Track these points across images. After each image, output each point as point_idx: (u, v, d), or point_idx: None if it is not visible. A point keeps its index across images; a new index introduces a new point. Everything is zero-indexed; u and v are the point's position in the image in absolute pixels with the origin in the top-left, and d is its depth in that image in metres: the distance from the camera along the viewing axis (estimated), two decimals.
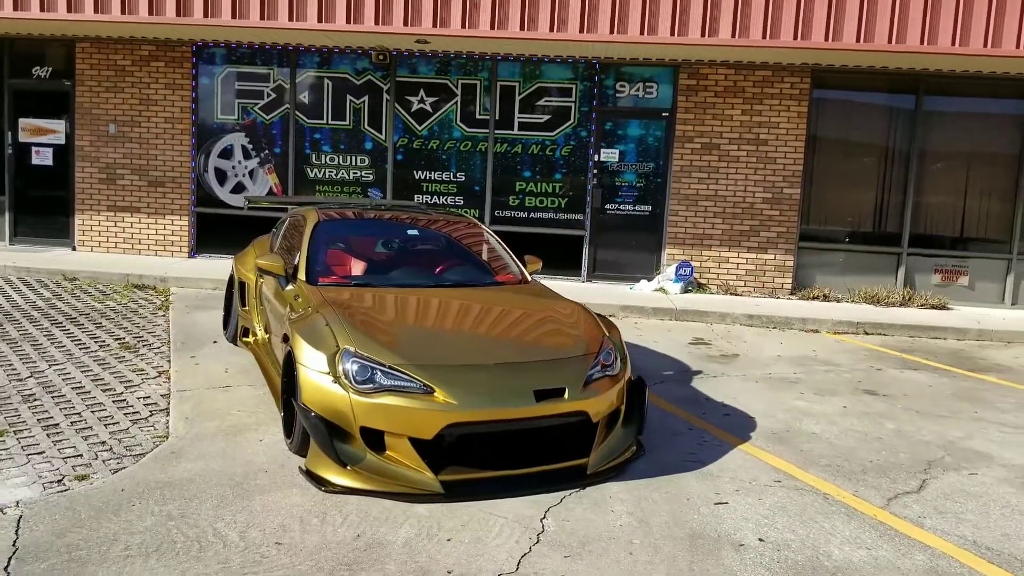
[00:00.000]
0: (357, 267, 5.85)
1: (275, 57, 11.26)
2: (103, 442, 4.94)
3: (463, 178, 11.31)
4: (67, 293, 9.36)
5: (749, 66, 10.87)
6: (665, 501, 4.45)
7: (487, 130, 11.17)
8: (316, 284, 5.50)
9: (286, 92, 11.29)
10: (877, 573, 3.78)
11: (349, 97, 11.24)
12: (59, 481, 4.36)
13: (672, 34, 10.05)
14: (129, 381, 6.19)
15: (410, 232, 6.35)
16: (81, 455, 4.73)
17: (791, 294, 11.18)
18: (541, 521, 4.12)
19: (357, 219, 6.48)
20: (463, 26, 9.75)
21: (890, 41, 9.93)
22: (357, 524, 3.98)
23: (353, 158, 11.35)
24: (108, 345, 7.19)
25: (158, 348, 7.19)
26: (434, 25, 10.07)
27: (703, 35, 10.01)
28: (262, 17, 10.13)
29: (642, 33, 10.09)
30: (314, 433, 4.39)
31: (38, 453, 4.72)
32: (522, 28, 10.11)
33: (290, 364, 4.91)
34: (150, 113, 11.29)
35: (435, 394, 4.35)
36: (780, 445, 5.49)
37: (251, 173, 11.47)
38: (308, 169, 11.42)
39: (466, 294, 5.63)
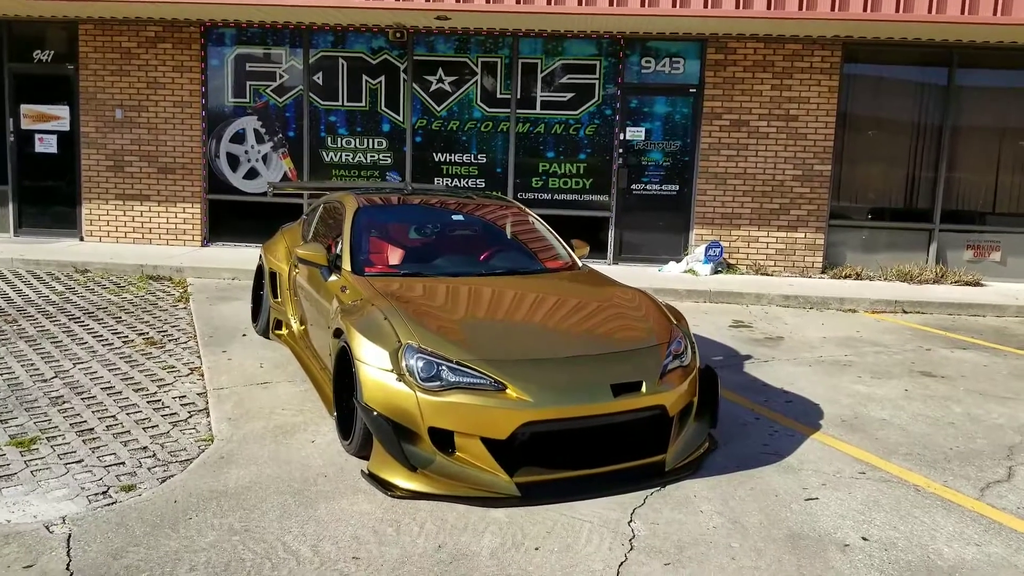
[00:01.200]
0: (404, 255, 5.54)
1: (287, 37, 10.87)
2: (144, 447, 4.65)
3: (484, 160, 10.97)
4: (80, 286, 9.02)
5: (779, 40, 10.52)
6: (752, 498, 4.19)
7: (508, 110, 10.82)
8: (363, 274, 5.19)
9: (299, 73, 10.91)
10: (996, 573, 3.52)
11: (365, 78, 10.87)
12: (104, 493, 4.06)
13: (705, 6, 9.66)
14: (161, 379, 5.89)
15: (455, 218, 6.03)
16: (123, 463, 4.43)
17: (822, 273, 10.91)
18: (629, 524, 3.85)
19: (398, 205, 6.15)
20: (487, 0, 9.37)
21: (929, 11, 9.56)
22: (435, 534, 3.70)
23: (370, 141, 11.00)
24: (132, 341, 6.87)
25: (185, 343, 6.87)
26: (457, 0, 9.69)
27: (737, 7, 9.64)
28: None
29: (674, 6, 9.69)
30: (380, 435, 4.10)
31: (76, 462, 4.42)
32: (549, 3, 9.71)
33: (344, 360, 4.63)
34: (158, 97, 10.91)
35: (507, 391, 4.07)
36: (853, 433, 5.23)
37: (264, 158, 11.11)
38: (324, 153, 11.06)
39: (522, 283, 5.33)
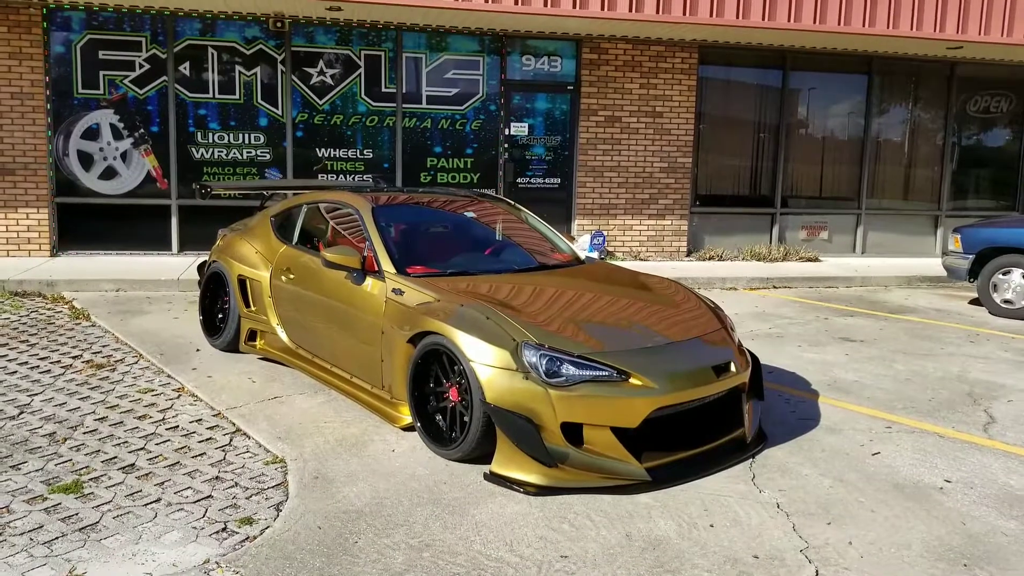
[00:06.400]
0: (439, 255, 5.39)
1: (147, 23, 9.83)
2: (216, 477, 4.19)
3: (371, 155, 10.68)
4: None
5: (645, 41, 11.26)
6: (832, 459, 4.64)
7: (394, 104, 10.61)
8: (408, 276, 5.00)
9: (162, 63, 9.92)
10: None
11: (239, 69, 10.12)
12: (223, 529, 3.65)
13: (574, 7, 10.15)
14: (153, 404, 5.26)
15: (468, 215, 5.94)
16: (210, 496, 3.98)
17: (687, 256, 11.87)
18: (762, 494, 4.14)
19: (409, 204, 5.93)
20: None
21: (763, 19, 10.77)
22: (610, 524, 3.75)
23: (246, 136, 10.27)
24: (72, 365, 6.02)
25: (136, 364, 6.14)
26: None
27: (603, 8, 10.22)
28: None
29: (546, 5, 10.08)
30: (516, 434, 4.04)
31: (155, 501, 3.91)
32: None
33: (424, 365, 4.51)
34: None
35: (630, 380, 4.19)
36: (846, 395, 5.90)
37: (124, 155, 9.98)
38: (193, 149, 10.15)
39: (568, 278, 5.37)
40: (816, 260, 12.02)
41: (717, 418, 4.65)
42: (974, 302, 9.75)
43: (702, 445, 4.48)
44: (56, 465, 4.28)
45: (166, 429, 4.83)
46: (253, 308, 6.15)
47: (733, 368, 4.59)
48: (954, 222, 11.87)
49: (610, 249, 11.48)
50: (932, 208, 13.16)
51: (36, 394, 5.37)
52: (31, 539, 3.49)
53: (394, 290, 4.88)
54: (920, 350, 7.33)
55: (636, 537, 3.65)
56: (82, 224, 9.96)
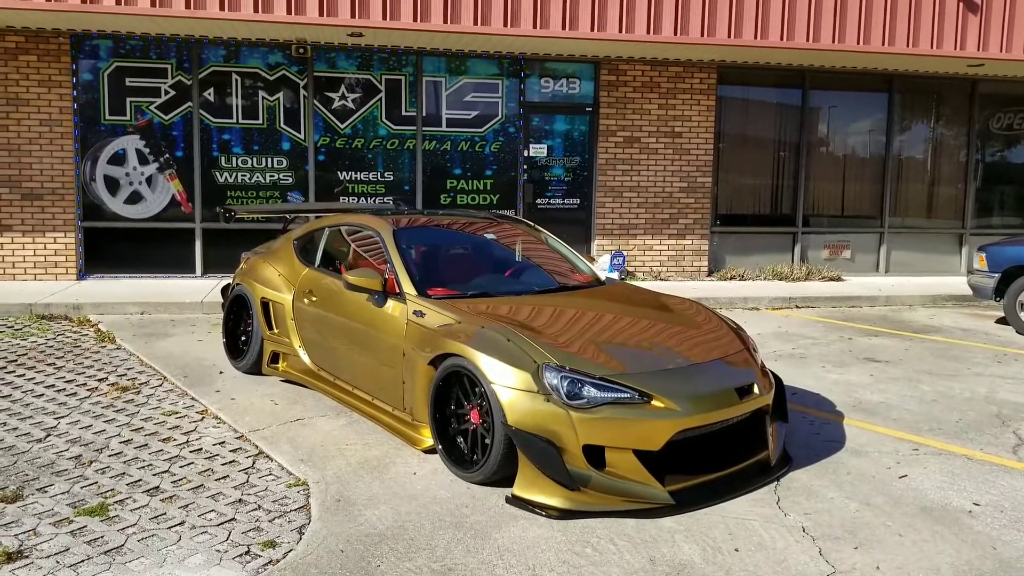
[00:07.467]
0: (460, 276, 5.41)
1: (172, 50, 10.02)
2: (239, 500, 4.21)
3: (392, 177, 10.77)
4: None
5: (663, 63, 11.31)
6: (858, 482, 4.58)
7: (414, 127, 10.71)
8: (429, 297, 5.02)
9: (187, 89, 10.08)
10: None
11: (262, 94, 10.27)
12: (246, 552, 3.66)
13: (592, 29, 10.23)
14: (176, 426, 5.30)
15: (488, 236, 5.97)
16: (233, 519, 3.99)
17: (708, 276, 11.83)
18: (787, 517, 4.10)
19: (430, 227, 5.98)
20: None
21: (782, 39, 10.79)
22: (633, 549, 3.72)
23: (269, 160, 10.39)
24: (97, 388, 6.09)
25: (160, 386, 6.20)
26: (352, 16, 9.46)
27: (620, 31, 10.29)
28: (153, 4, 8.98)
29: (564, 28, 10.17)
30: (539, 457, 4.03)
31: (179, 524, 3.93)
32: (445, 21, 9.81)
33: (445, 387, 4.51)
34: (20, 115, 9.61)
35: (653, 402, 4.17)
36: (872, 416, 5.84)
37: (149, 180, 10.14)
38: (217, 173, 10.29)
39: (589, 300, 5.38)
40: (839, 279, 11.93)
41: (741, 440, 4.61)
42: (1001, 321, 9.63)
43: (726, 468, 4.44)
44: (82, 488, 4.32)
45: (190, 451, 4.87)
46: (276, 330, 6.20)
47: (756, 390, 4.56)
48: (979, 240, 11.77)
49: (630, 269, 11.47)
50: (956, 226, 13.04)
51: (62, 417, 5.43)
52: (57, 562, 3.52)
53: (415, 312, 4.91)
54: (946, 371, 7.24)
55: (660, 562, 3.62)
56: (108, 248, 10.11)
